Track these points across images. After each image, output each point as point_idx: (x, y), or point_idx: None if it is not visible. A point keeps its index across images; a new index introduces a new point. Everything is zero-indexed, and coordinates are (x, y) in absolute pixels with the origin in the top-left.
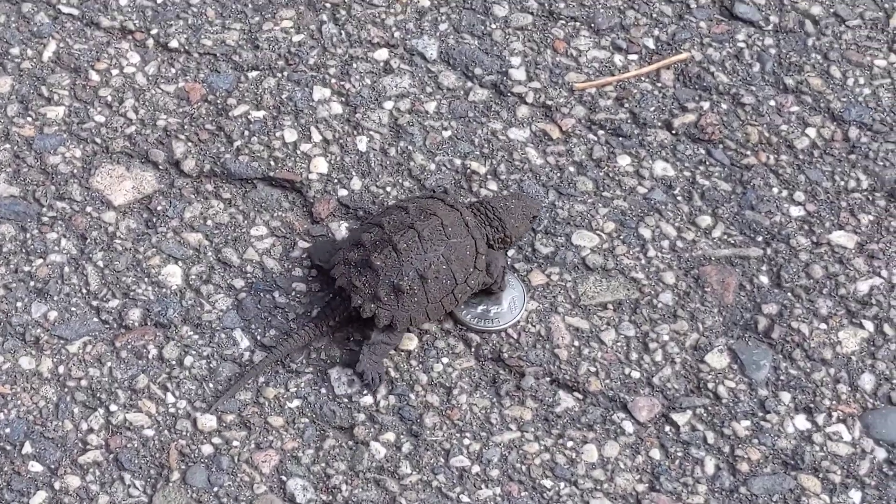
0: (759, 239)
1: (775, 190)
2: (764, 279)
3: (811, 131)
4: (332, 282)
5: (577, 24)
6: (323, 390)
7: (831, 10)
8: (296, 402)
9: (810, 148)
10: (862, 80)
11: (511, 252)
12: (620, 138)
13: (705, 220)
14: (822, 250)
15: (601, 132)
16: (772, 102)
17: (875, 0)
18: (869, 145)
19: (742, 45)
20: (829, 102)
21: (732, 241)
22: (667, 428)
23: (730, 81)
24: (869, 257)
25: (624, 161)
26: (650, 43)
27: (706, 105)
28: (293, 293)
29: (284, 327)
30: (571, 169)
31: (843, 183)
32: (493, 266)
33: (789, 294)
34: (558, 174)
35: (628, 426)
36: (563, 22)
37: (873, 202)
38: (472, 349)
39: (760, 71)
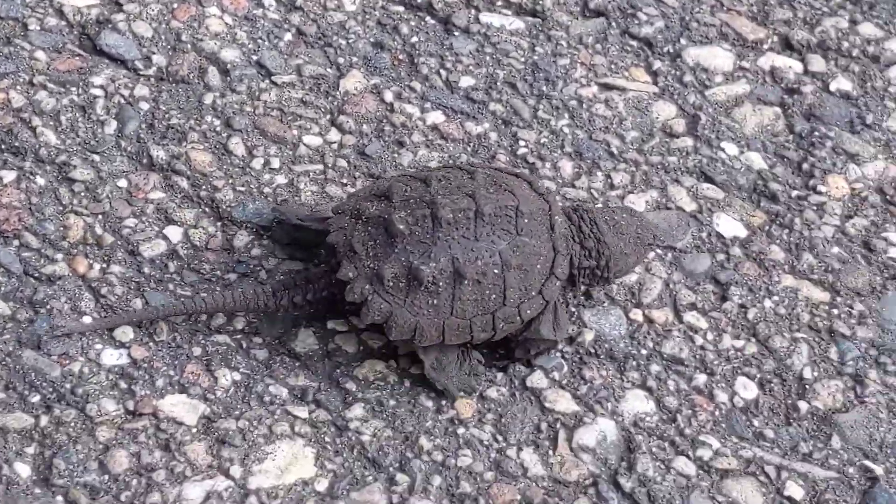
0: None
1: None
2: None
3: None
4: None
5: None
6: None
7: (254, 59)
8: None
9: None
10: (277, 163)
11: None
12: None
13: None
14: None
15: None
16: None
17: (328, 55)
18: None
19: (98, 91)
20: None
21: None
22: None
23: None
24: None
25: None
26: None
27: None
28: None
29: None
30: None
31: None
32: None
33: None
34: None
35: None
36: None
37: None
38: None
39: (117, 133)
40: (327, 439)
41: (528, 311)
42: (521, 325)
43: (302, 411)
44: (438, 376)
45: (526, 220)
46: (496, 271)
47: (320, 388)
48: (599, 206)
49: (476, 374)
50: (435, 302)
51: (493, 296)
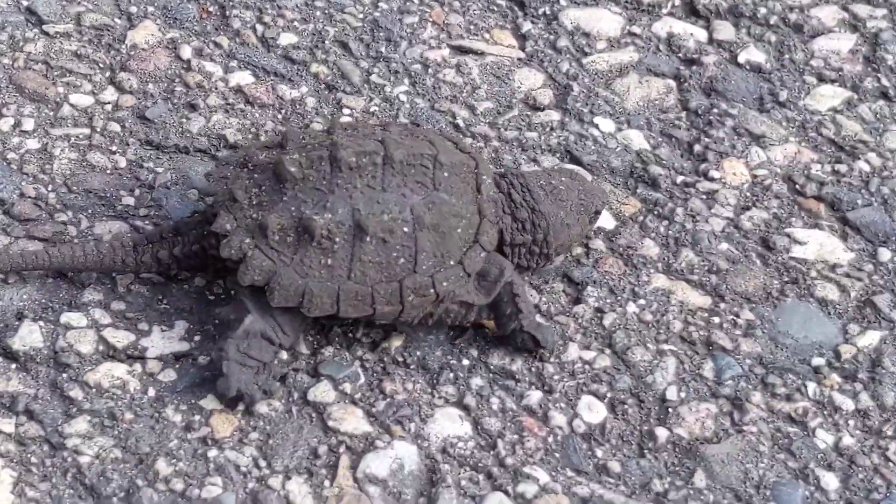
0: None
1: None
2: None
3: None
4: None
5: None
6: None
7: (24, 4)
8: None
9: None
10: (30, 125)
11: None
12: None
13: None
14: None
15: None
16: None
17: (119, 3)
18: None
19: None
20: None
21: None
22: None
23: None
24: None
25: None
26: None
27: None
28: None
29: None
30: None
31: None
32: (491, 275)
33: None
34: None
35: None
36: None
37: None
38: None
39: None
40: (34, 460)
41: (445, 284)
42: (428, 303)
43: (7, 424)
44: (235, 359)
45: (446, 174)
46: (406, 230)
47: (37, 395)
48: (533, 168)
49: (265, 390)
50: (329, 262)
51: (402, 260)
